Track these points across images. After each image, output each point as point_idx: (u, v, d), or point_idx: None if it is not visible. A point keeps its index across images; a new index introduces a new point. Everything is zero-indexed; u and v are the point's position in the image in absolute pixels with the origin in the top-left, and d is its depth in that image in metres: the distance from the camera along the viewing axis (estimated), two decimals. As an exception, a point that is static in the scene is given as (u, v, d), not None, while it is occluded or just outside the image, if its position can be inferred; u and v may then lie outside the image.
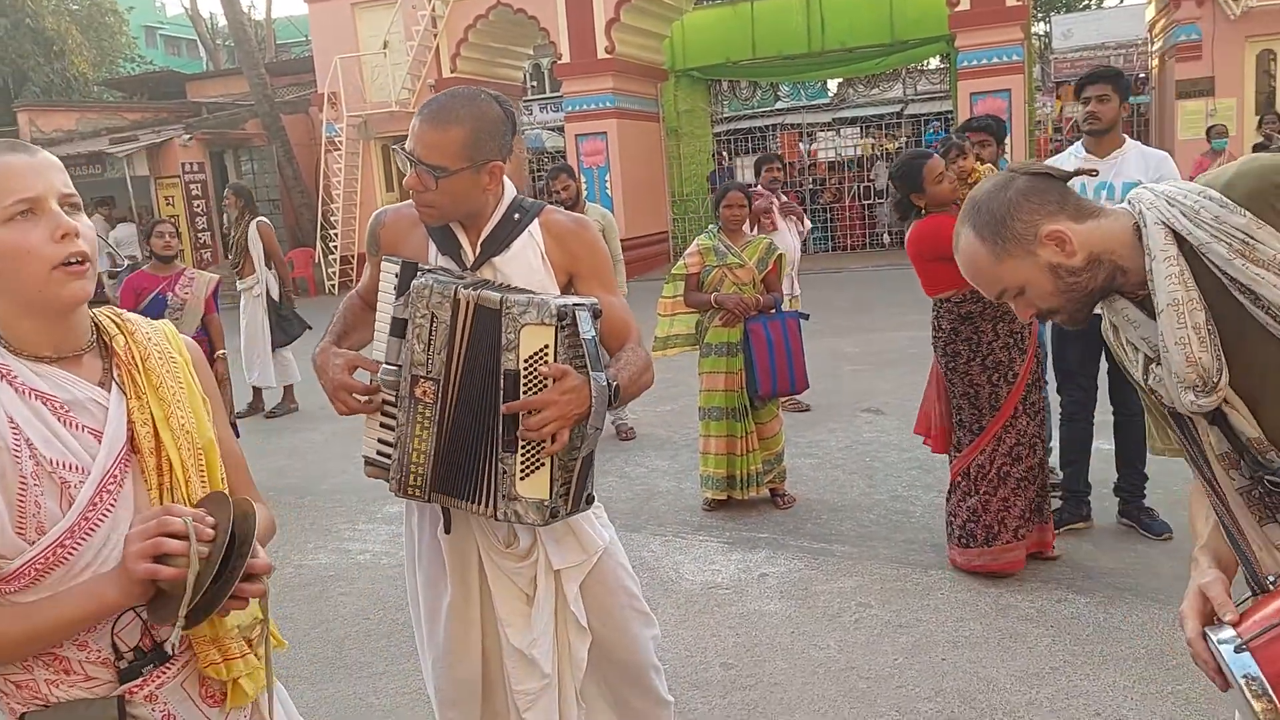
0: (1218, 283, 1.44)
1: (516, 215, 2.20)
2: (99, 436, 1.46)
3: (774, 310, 5.11)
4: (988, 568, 4.06)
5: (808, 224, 7.72)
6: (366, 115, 18.66)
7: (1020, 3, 15.34)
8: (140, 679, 1.48)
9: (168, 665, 1.51)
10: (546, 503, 1.98)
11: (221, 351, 6.14)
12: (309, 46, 21.48)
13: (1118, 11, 21.93)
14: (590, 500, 2.10)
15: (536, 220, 2.23)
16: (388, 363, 2.04)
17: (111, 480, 1.45)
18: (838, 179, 20.35)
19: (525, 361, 1.93)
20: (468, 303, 1.99)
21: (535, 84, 26.04)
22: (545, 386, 1.93)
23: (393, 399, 2.07)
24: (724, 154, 21.50)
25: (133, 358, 1.53)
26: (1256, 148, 11.38)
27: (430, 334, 1.98)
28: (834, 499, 5.27)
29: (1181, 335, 1.45)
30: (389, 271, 2.09)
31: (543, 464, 1.97)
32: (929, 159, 4.10)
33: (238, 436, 6.71)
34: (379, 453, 2.10)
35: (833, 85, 23.98)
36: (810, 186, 19.69)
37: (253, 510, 1.45)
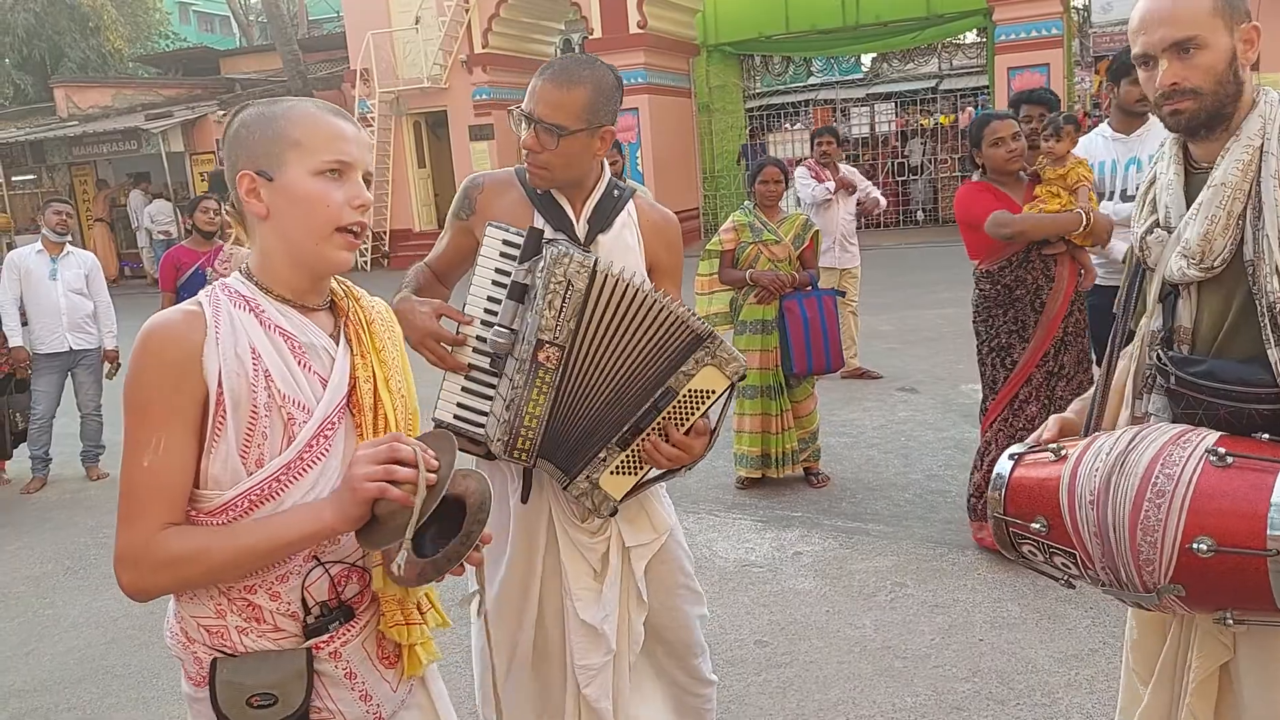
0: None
1: (616, 192, 2.26)
2: (324, 383, 1.51)
3: (810, 287, 5.07)
4: (984, 541, 4.07)
5: (874, 193, 7.69)
6: (399, 91, 18.67)
7: (1061, -25, 15.06)
8: (326, 635, 1.51)
9: (352, 624, 1.54)
10: (615, 504, 2.09)
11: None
12: (341, 22, 21.51)
13: None
14: (615, 510, 2.16)
15: (631, 201, 2.28)
16: (500, 325, 2.04)
17: (330, 426, 1.50)
18: (871, 155, 20.14)
19: (689, 392, 2.02)
20: (614, 280, 1.99)
21: (566, 59, 25.90)
22: (686, 421, 2.03)
23: (488, 363, 2.06)
24: (756, 130, 21.33)
25: (361, 320, 1.61)
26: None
27: (563, 301, 1.98)
28: (869, 478, 5.24)
29: (1214, 213, 1.64)
30: (497, 238, 2.09)
31: (633, 474, 2.08)
32: (996, 120, 4.05)
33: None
34: (458, 417, 2.07)
35: (866, 60, 23.70)
36: (843, 162, 19.52)
37: (488, 486, 1.47)
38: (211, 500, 1.44)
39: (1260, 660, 1.67)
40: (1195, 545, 1.46)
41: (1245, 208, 1.63)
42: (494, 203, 2.23)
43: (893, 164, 19.69)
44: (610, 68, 2.18)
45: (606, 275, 1.98)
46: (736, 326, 5.15)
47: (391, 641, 1.58)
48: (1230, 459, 1.50)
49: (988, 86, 17.62)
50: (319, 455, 1.48)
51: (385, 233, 19.22)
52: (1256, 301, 1.62)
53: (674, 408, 2.02)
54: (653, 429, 2.03)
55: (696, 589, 2.48)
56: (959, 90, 20.31)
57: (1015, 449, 1.74)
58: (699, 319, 2.02)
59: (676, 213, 8.27)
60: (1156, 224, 1.76)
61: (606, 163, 2.26)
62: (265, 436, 1.45)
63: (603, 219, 2.23)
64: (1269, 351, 1.61)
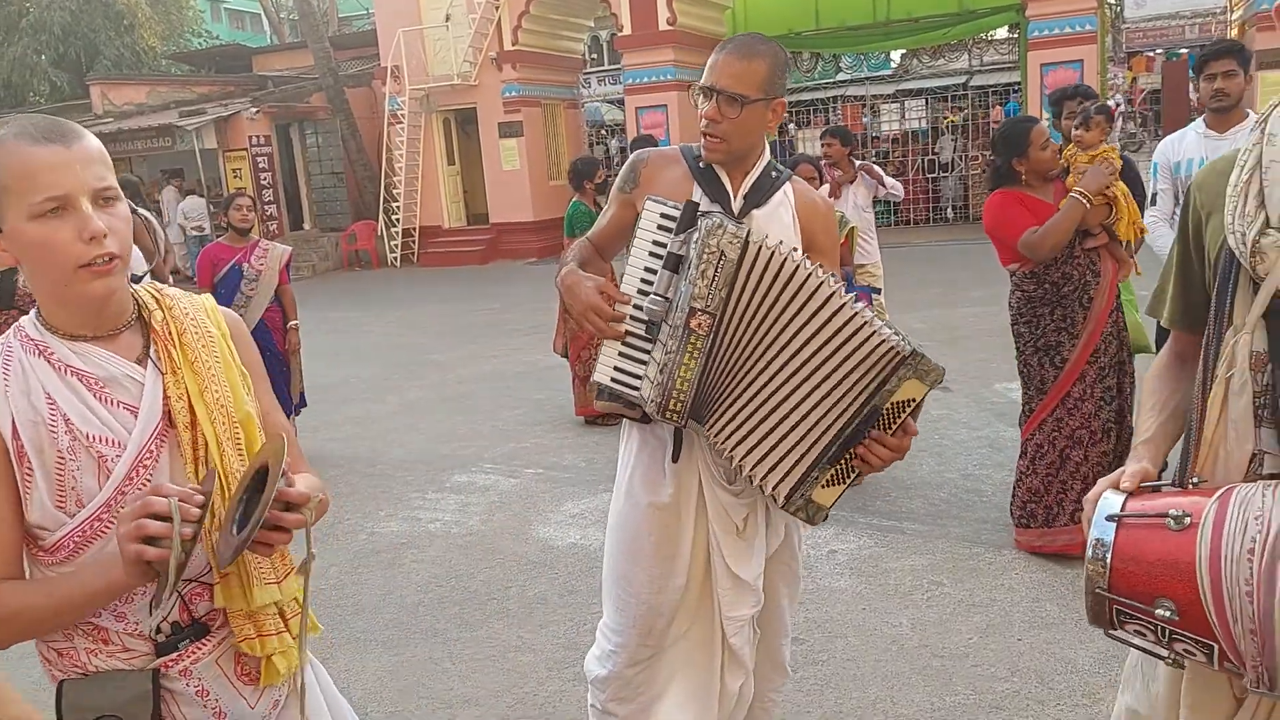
0: None
1: (774, 173, 2.34)
2: (135, 412, 1.48)
3: (844, 284, 5.05)
4: (1044, 549, 4.02)
5: (889, 182, 7.58)
6: (429, 88, 18.76)
7: (1094, -30, 14.92)
8: (176, 653, 1.50)
9: (204, 641, 1.53)
10: (827, 511, 2.17)
11: (294, 321, 6.25)
12: (372, 19, 21.64)
13: None
14: (826, 517, 2.22)
15: (789, 183, 2.36)
16: (656, 293, 2.11)
17: (148, 455, 1.47)
18: (901, 152, 20.03)
19: (891, 405, 2.05)
20: (769, 251, 2.05)
21: (594, 57, 25.96)
22: (889, 429, 2.07)
23: (644, 330, 2.13)
24: (786, 126, 21.26)
25: (169, 333, 1.55)
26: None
27: (716, 270, 2.04)
28: (904, 477, 5.23)
29: None
30: (655, 211, 2.16)
31: (845, 482, 2.14)
32: (1036, 123, 4.04)
33: (305, 406, 6.75)
34: (615, 380, 2.15)
35: (895, 56, 23.57)
36: (874, 159, 19.43)
37: (282, 443, 1.42)
38: (45, 539, 1.45)
39: None
40: None
41: None
42: (657, 176, 2.32)
43: (923, 161, 19.57)
44: (779, 45, 2.28)
45: (760, 246, 2.04)
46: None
47: (254, 656, 1.56)
48: None
49: (1019, 83, 17.48)
50: (140, 486, 1.46)
51: (415, 230, 19.32)
52: None
53: (888, 412, 2.07)
54: (866, 443, 2.09)
55: (798, 572, 2.56)
56: (990, 86, 20.17)
57: (1111, 506, 1.46)
58: (897, 333, 2.05)
59: (710, 210, 8.07)
60: (1269, 224, 1.47)
61: (767, 144, 2.36)
62: (75, 479, 1.43)
63: (759, 195, 2.30)
64: None
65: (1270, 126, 1.51)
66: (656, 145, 6.68)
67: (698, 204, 2.16)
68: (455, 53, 18.38)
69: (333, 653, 3.73)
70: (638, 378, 2.12)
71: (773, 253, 2.03)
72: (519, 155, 18.49)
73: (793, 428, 2.10)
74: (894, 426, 2.07)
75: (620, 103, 18.39)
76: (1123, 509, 1.45)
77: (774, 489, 2.13)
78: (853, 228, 5.24)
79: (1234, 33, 17.24)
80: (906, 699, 3.16)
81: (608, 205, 2.45)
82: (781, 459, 2.11)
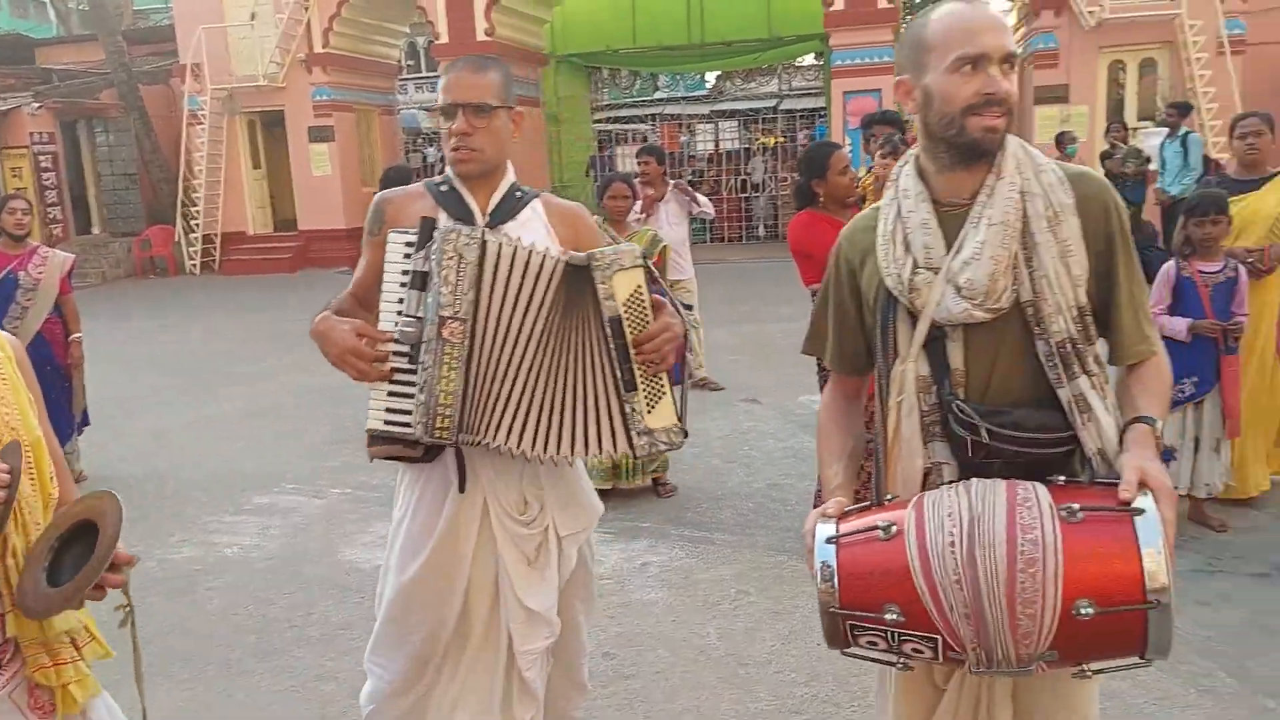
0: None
1: (518, 194, 2.35)
2: None
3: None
4: None
5: (702, 200, 7.74)
6: (232, 89, 17.90)
7: (891, 4, 15.82)
8: None
9: None
10: (677, 427, 2.14)
11: (77, 334, 5.82)
12: (170, 14, 20.44)
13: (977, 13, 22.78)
14: (684, 432, 2.20)
15: (537, 199, 2.38)
16: (406, 315, 2.06)
17: None
18: (716, 172, 20.60)
19: (624, 306, 2.08)
20: (500, 246, 2.07)
21: (411, 63, 25.47)
22: (645, 323, 2.11)
23: (406, 363, 2.07)
24: (604, 142, 21.49)
25: None
26: (1103, 155, 12.06)
27: (458, 275, 2.03)
28: (714, 488, 5.36)
29: (998, 254, 1.63)
30: (398, 241, 2.12)
31: (664, 393, 2.14)
32: (838, 149, 4.21)
33: (87, 424, 6.30)
34: (388, 423, 2.08)
35: (710, 78, 24.26)
36: (689, 178, 19.89)
37: (118, 506, 1.41)
38: None
39: (1055, 691, 1.76)
40: (1077, 610, 1.43)
41: (1018, 248, 1.64)
42: (403, 214, 2.27)
43: (736, 180, 20.19)
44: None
45: (499, 244, 2.06)
46: (585, 339, 5.16)
47: (49, 686, 1.52)
48: (1081, 514, 1.48)
49: (825, 108, 18.32)
50: None
51: (217, 236, 18.36)
52: (1040, 342, 1.64)
53: (628, 322, 2.09)
54: (635, 354, 2.09)
55: (593, 590, 2.55)
56: (799, 110, 21.05)
57: (827, 531, 1.58)
58: (576, 254, 2.12)
59: (525, 224, 7.86)
60: (916, 265, 1.69)
61: (510, 164, 2.38)
62: None
63: (507, 211, 2.31)
64: (1060, 392, 1.64)
65: (902, 183, 1.76)
66: (410, 174, 6.67)
67: (434, 220, 2.13)
68: (261, 52, 17.62)
69: (117, 689, 3.47)
70: (409, 412, 2.06)
71: (514, 248, 2.07)
72: (330, 161, 17.90)
73: (571, 390, 2.12)
74: (645, 319, 2.12)
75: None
76: (838, 531, 1.58)
77: (605, 452, 2.15)
78: (665, 245, 5.33)
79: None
80: (713, 708, 3.23)
81: (362, 254, 2.38)
82: (582, 426, 2.13)
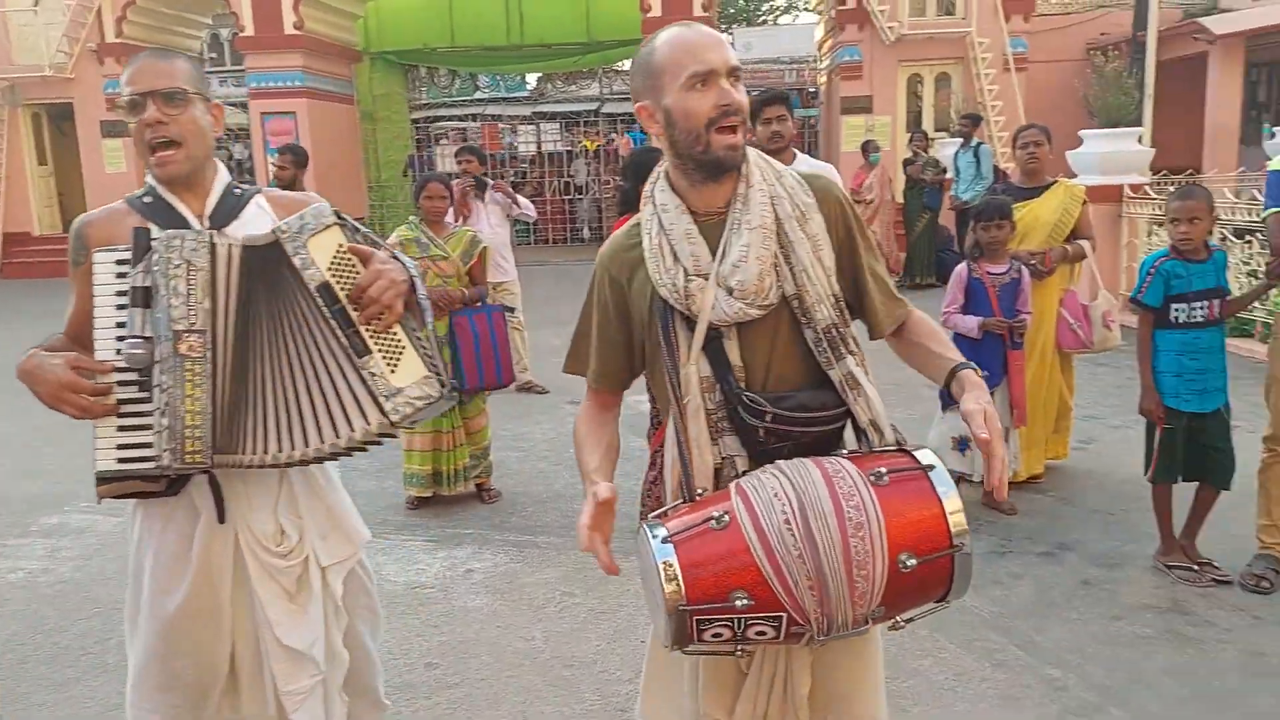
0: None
1: (237, 191, 2.17)
2: None
3: (479, 303, 5.09)
4: None
5: (523, 202, 7.69)
6: (14, 79, 16.54)
7: (706, 14, 16.21)
8: None
9: None
10: (429, 376, 1.98)
11: None
12: (-62, -6, 18.71)
13: (792, 29, 23.72)
14: (447, 383, 2.05)
15: (259, 194, 2.20)
16: (133, 337, 1.87)
17: None
18: (539, 173, 20.56)
19: (330, 269, 1.94)
20: (229, 248, 1.93)
21: (215, 55, 24.22)
22: (355, 274, 1.95)
23: (136, 390, 1.90)
24: (423, 142, 21.09)
25: None
26: (906, 163, 12.75)
27: (188, 284, 1.88)
28: (540, 491, 5.34)
29: (762, 254, 1.74)
30: (108, 260, 1.92)
31: (403, 347, 1.98)
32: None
33: None
34: (124, 460, 1.89)
35: (532, 79, 24.19)
36: (512, 179, 19.77)
37: None
38: None
39: (850, 651, 1.87)
40: (902, 564, 1.55)
41: (776, 248, 1.77)
42: (111, 234, 2.04)
43: (559, 182, 20.21)
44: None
45: (229, 245, 1.93)
46: (404, 343, 5.05)
47: None
48: (886, 476, 1.61)
49: (645, 112, 18.52)
50: None
51: (-2, 236, 16.94)
52: (808, 331, 1.77)
53: (339, 284, 1.94)
54: (357, 314, 1.94)
55: (376, 609, 2.44)
56: (620, 115, 21.26)
57: (657, 532, 1.61)
58: (253, 235, 1.99)
59: (339, 225, 7.59)
60: (688, 273, 1.76)
61: (220, 163, 2.19)
62: None
63: (228, 212, 2.13)
64: (831, 373, 1.78)
65: (658, 199, 1.84)
66: (297, 154, 6.36)
67: (147, 229, 1.96)
68: (46, 41, 16.37)
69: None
70: (149, 444, 1.90)
71: (247, 243, 1.96)
72: (125, 157, 16.81)
73: (310, 376, 1.97)
74: (353, 273, 1.96)
75: (244, 106, 17.28)
76: (670, 531, 1.61)
77: (360, 430, 1.96)
78: (485, 247, 5.28)
79: (823, 80, 19.47)
80: (538, 711, 3.22)
81: (70, 290, 2.15)
82: (326, 410, 1.97)
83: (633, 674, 3.40)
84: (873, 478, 1.60)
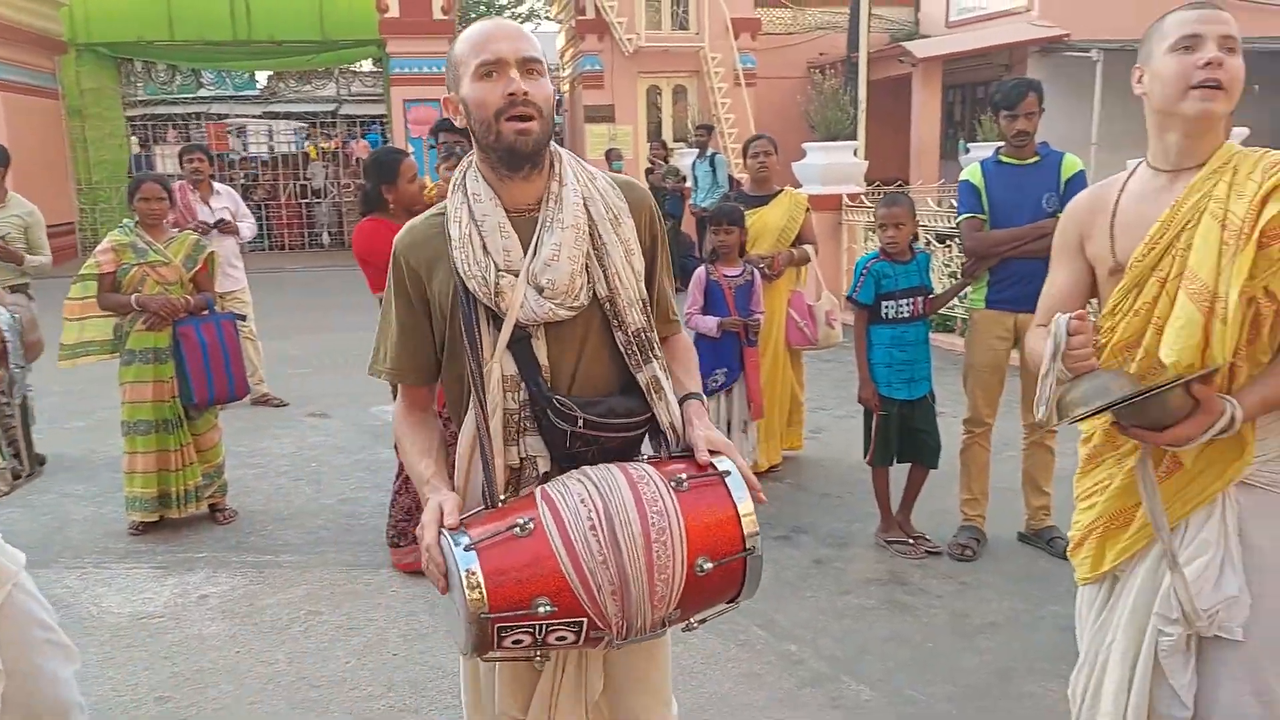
0: None
1: None
2: None
3: (206, 311, 4.78)
4: (418, 565, 4.17)
5: (244, 230, 7.23)
6: None
7: (447, 17, 16.06)
8: None
9: None
10: (3, 466, 1.80)
11: None
12: None
13: (535, 36, 23.83)
14: (43, 460, 1.83)
15: None
16: None
17: None
18: (272, 176, 19.57)
19: None
20: None
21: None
22: None
23: None
24: (142, 140, 19.56)
25: None
26: (647, 172, 13.18)
27: None
28: (280, 508, 5.09)
29: (574, 254, 1.72)
30: None
31: None
32: (407, 156, 4.18)
33: None
34: None
35: (262, 77, 23.01)
36: (243, 182, 18.68)
37: None
38: None
39: (641, 650, 1.90)
40: (699, 568, 1.58)
41: (589, 249, 1.76)
42: None
43: (295, 185, 19.33)
44: None
45: None
46: (124, 356, 4.66)
47: None
48: (687, 482, 1.64)
49: (386, 115, 18.13)
50: None
51: None
52: (618, 334, 1.77)
53: None
54: None
55: (63, 642, 2.25)
56: (359, 116, 20.63)
57: (460, 539, 1.58)
58: None
59: (50, 226, 6.95)
60: (498, 268, 1.72)
61: None
62: None
63: None
64: (638, 376, 1.78)
65: (470, 187, 1.79)
66: None
67: None
68: None
69: None
70: None
71: None
72: None
73: None
74: None
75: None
76: (473, 538, 1.58)
77: None
78: (212, 252, 4.96)
79: (567, 88, 19.76)
80: (284, 737, 3.07)
81: None
82: None
83: (384, 688, 3.31)
84: (674, 484, 1.63)
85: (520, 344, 1.73)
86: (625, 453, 1.79)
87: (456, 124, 1.79)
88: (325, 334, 9.80)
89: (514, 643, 1.57)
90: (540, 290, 1.70)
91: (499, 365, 1.73)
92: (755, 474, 5.08)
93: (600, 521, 1.57)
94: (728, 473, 1.68)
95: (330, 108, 21.10)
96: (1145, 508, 2.00)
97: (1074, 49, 15.68)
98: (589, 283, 1.75)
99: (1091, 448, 2.14)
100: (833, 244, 9.84)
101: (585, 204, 1.76)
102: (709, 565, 1.60)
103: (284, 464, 5.83)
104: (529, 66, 1.71)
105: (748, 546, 1.63)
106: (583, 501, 1.59)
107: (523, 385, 1.73)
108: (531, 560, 1.55)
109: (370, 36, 16.92)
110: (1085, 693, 2.16)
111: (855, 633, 3.63)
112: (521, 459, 1.76)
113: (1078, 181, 4.04)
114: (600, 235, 1.76)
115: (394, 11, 15.75)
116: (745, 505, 1.65)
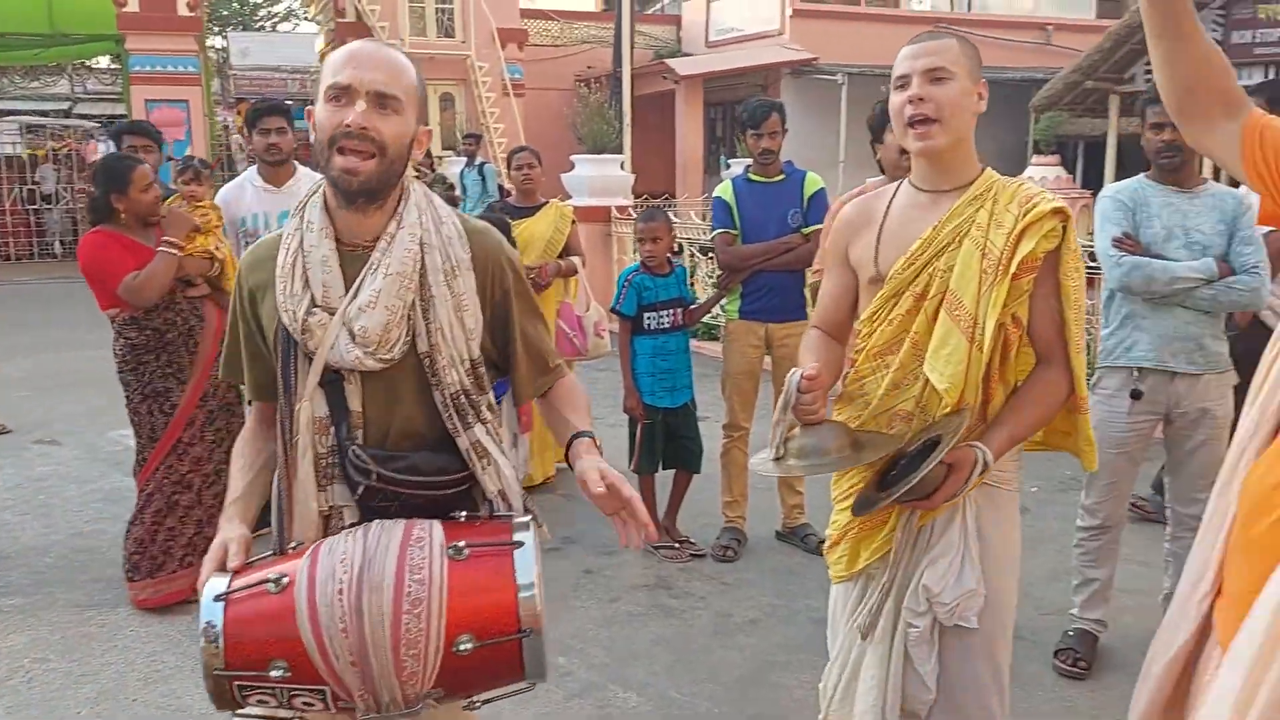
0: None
1: None
2: None
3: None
4: (155, 600, 3.88)
5: None
6: None
7: (193, 14, 15.13)
8: None
9: None
10: None
11: None
12: None
13: (293, 37, 22.89)
14: None
15: None
16: None
17: None
18: (-7, 179, 17.76)
19: None
20: None
21: None
22: None
23: None
24: None
25: None
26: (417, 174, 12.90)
27: None
28: (3, 546, 4.60)
29: (394, 304, 1.63)
30: None
31: None
32: (141, 164, 3.85)
33: None
34: None
35: (-19, 71, 20.87)
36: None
37: None
38: None
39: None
40: (458, 646, 1.47)
41: (415, 299, 1.65)
42: None
43: (21, 190, 17.64)
44: None
45: None
46: None
47: None
48: (467, 550, 1.52)
49: (126, 116, 16.84)
50: None
51: None
52: (436, 393, 1.68)
53: None
54: None
55: None
56: (96, 116, 19.08)
57: (217, 587, 1.50)
58: None
59: None
60: (314, 303, 1.64)
61: None
62: None
63: None
64: (458, 440, 1.70)
65: (308, 214, 1.70)
66: None
67: None
68: None
69: None
70: None
71: None
72: None
73: None
74: None
75: None
76: (229, 587, 1.50)
77: None
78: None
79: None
80: (3, 803, 2.77)
81: None
82: None
83: (123, 738, 3.05)
84: (452, 551, 1.52)
85: (334, 386, 1.66)
86: (439, 510, 1.68)
87: (312, 139, 1.69)
88: (54, 353, 8.95)
89: (260, 701, 1.49)
90: (353, 335, 1.63)
91: (310, 405, 1.65)
92: (528, 488, 5.17)
93: (349, 586, 1.48)
94: (520, 544, 1.57)
95: (63, 106, 19.41)
96: (895, 519, 2.13)
97: (822, 72, 16.70)
98: (408, 335, 1.66)
99: None
100: (603, 255, 10.00)
101: (421, 250, 1.68)
102: (469, 645, 1.48)
103: (6, 498, 5.28)
104: (383, 101, 1.61)
105: (523, 628, 1.51)
106: (342, 562, 1.50)
107: (332, 429, 1.66)
108: (274, 620, 1.47)
109: (107, 31, 15.66)
110: (837, 688, 2.27)
111: (623, 640, 3.69)
112: (330, 507, 1.68)
113: (819, 198, 4.30)
114: (430, 287, 1.67)
115: (133, 6, 14.67)
116: (528, 584, 1.53)
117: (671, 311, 4.36)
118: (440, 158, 14.07)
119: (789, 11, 17.41)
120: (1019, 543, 2.23)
